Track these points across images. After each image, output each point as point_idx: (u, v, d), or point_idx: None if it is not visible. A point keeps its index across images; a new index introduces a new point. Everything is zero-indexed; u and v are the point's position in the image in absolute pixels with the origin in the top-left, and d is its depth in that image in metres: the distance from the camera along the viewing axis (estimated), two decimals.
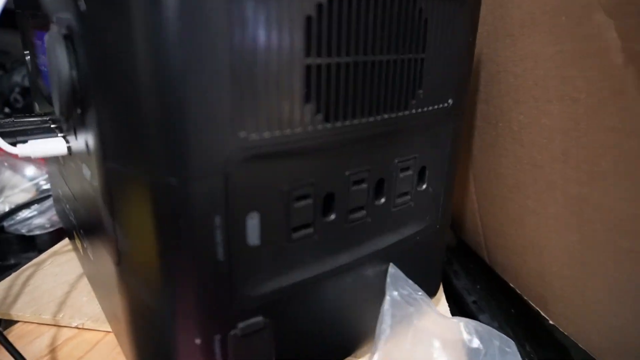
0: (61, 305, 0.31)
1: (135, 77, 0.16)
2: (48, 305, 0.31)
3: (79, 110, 0.20)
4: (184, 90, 0.16)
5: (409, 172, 0.26)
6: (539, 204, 0.29)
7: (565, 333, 0.30)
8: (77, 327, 0.30)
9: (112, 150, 0.19)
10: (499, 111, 0.31)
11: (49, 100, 0.29)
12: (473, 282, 0.43)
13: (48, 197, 0.51)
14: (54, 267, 0.36)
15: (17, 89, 0.88)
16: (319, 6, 0.18)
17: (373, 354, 0.25)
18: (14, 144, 0.25)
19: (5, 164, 0.51)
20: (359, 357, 0.28)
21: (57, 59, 0.19)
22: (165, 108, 0.16)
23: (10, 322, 0.31)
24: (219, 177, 0.18)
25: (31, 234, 0.46)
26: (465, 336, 0.28)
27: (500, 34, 0.28)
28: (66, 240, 0.41)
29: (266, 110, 0.18)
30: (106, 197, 0.20)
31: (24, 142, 0.26)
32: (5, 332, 0.30)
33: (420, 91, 0.24)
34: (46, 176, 0.54)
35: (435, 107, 0.25)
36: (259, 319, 0.21)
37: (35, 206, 0.50)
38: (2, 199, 0.49)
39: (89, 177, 0.22)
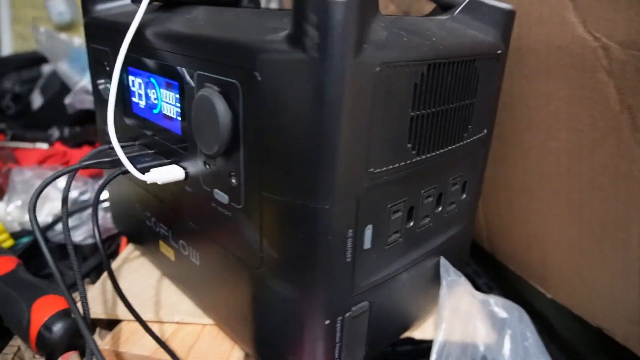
0: (157, 304, 0.36)
1: (301, 129, 0.22)
2: (145, 305, 0.36)
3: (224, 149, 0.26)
4: (337, 140, 0.22)
5: (457, 187, 0.33)
6: (544, 205, 0.38)
7: (562, 304, 0.39)
8: (177, 322, 0.35)
9: (270, 183, 0.25)
10: (511, 132, 0.39)
11: (151, 133, 0.34)
12: (477, 267, 0.51)
13: (86, 207, 0.55)
14: (131, 273, 0.41)
15: (8, 96, 0.88)
16: (422, 75, 0.25)
17: (440, 324, 0.32)
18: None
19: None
20: (414, 330, 0.36)
21: (216, 110, 0.25)
22: (321, 152, 0.23)
23: (113, 323, 0.36)
24: (353, 201, 0.24)
25: (84, 242, 0.50)
26: (496, 309, 0.36)
27: (516, 73, 0.36)
28: (130, 248, 0.45)
29: (386, 150, 0.25)
30: (255, 218, 0.26)
31: (146, 169, 0.31)
32: (114, 331, 0.35)
33: (470, 126, 0.31)
34: (80, 188, 0.57)
35: (477, 136, 0.33)
36: (365, 303, 0.28)
37: (76, 216, 0.54)
38: (46, 211, 0.52)
39: (226, 200, 0.28)
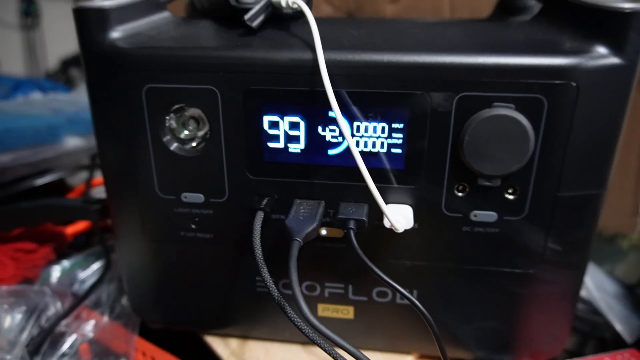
0: None
1: (609, 127, 0.25)
2: None
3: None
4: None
5: None
6: None
7: None
8: None
9: (567, 183, 0.26)
10: None
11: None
12: None
13: None
14: None
15: None
16: None
17: None
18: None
19: None
20: None
21: (524, 127, 0.24)
22: (615, 143, 0.26)
23: None
24: None
25: None
26: None
27: None
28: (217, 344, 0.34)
29: None
30: (542, 220, 0.27)
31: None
32: None
33: None
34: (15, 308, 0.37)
35: None
36: None
37: None
38: None
39: (494, 217, 0.27)
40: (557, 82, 0.24)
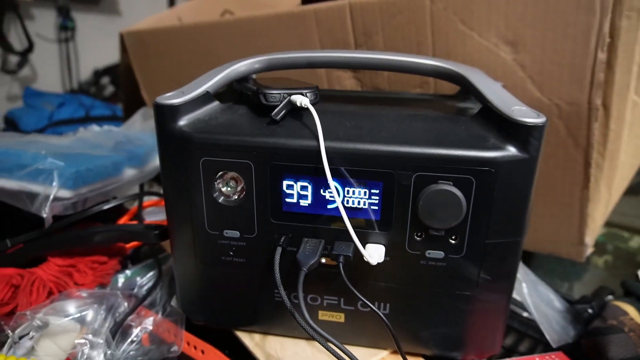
0: None
1: (521, 196, 0.36)
2: None
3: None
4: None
5: None
6: None
7: None
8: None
9: (492, 233, 0.38)
10: None
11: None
12: None
13: None
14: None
15: None
16: None
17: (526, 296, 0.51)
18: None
19: None
20: None
21: (458, 197, 0.36)
22: (529, 205, 0.37)
23: None
24: None
25: None
26: None
27: None
28: (246, 338, 0.47)
29: None
30: (475, 259, 0.38)
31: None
32: None
33: None
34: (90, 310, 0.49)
35: None
36: None
37: None
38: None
39: (441, 255, 0.39)
40: (482, 168, 0.36)
